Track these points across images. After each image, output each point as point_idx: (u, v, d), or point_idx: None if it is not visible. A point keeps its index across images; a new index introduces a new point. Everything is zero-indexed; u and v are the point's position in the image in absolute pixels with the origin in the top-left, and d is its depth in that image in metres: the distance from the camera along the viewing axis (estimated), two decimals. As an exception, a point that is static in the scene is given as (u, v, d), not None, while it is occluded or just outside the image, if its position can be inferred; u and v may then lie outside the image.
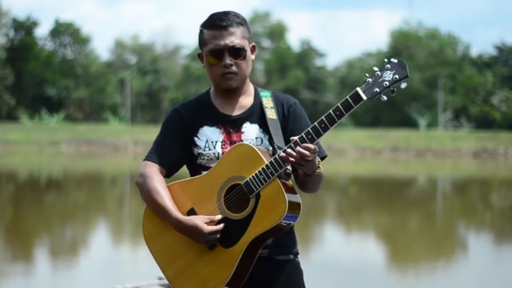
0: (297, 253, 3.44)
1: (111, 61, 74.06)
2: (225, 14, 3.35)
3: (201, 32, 3.39)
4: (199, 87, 62.60)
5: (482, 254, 11.74)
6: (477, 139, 46.39)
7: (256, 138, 3.35)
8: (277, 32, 70.90)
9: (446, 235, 14.00)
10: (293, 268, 3.39)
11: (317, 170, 3.22)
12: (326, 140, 41.81)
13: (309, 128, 3.15)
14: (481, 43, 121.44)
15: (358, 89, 3.12)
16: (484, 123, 58.82)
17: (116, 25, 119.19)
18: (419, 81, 63.21)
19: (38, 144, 45.44)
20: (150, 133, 42.04)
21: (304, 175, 3.24)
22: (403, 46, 65.91)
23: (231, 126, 3.38)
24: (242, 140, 3.34)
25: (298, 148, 3.11)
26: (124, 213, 16.71)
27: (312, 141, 3.14)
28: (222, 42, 3.31)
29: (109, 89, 68.04)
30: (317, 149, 3.15)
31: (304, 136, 3.14)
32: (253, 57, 3.41)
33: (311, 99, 64.78)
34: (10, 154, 39.45)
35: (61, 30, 69.80)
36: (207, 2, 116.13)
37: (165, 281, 7.43)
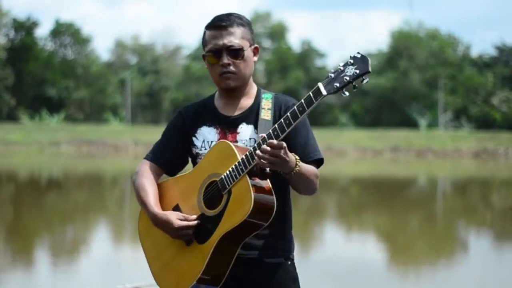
0: (291, 258, 3.40)
1: (111, 62, 74.08)
2: (227, 15, 3.38)
3: (203, 33, 3.42)
4: (199, 88, 62.66)
5: (483, 255, 11.74)
6: (478, 140, 46.40)
7: (250, 138, 3.36)
8: (278, 33, 70.91)
9: (446, 236, 13.99)
10: (283, 272, 3.35)
11: (295, 169, 3.16)
12: (327, 140, 41.83)
13: (275, 125, 3.13)
14: (481, 43, 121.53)
15: (320, 84, 3.07)
16: (484, 123, 58.83)
17: (117, 25, 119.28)
18: (420, 82, 63.24)
19: (38, 145, 45.45)
20: (151, 134, 42.11)
21: (284, 175, 3.20)
22: (404, 46, 65.91)
23: (228, 126, 3.39)
24: (237, 141, 3.35)
25: (264, 146, 3.08)
26: (125, 213, 16.71)
27: (277, 137, 3.10)
28: (220, 42, 3.33)
29: (109, 90, 68.05)
30: (284, 145, 3.08)
31: (271, 132, 3.13)
32: (255, 58, 3.42)
33: (312, 99, 64.71)
34: (11, 155, 39.46)
35: (61, 30, 69.82)
36: (207, 3, 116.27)
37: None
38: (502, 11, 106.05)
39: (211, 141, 3.39)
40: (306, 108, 3.07)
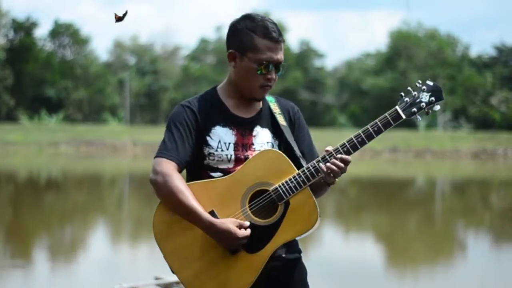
0: (301, 252, 3.49)
1: (110, 62, 74.07)
2: (273, 23, 3.33)
3: (246, 34, 3.32)
4: (198, 88, 62.64)
5: (481, 255, 11.73)
6: (477, 140, 46.41)
7: (268, 142, 3.37)
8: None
9: (445, 236, 13.99)
10: (300, 266, 3.45)
11: (336, 180, 3.29)
12: (326, 141, 41.76)
13: (345, 141, 3.23)
14: (480, 43, 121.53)
15: (398, 108, 3.26)
16: (483, 123, 58.85)
17: (116, 26, 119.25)
18: (419, 82, 63.22)
19: (37, 145, 45.43)
20: (150, 134, 42.11)
21: (323, 184, 3.29)
22: (403, 46, 65.93)
23: (244, 128, 3.36)
24: (253, 144, 3.35)
25: (334, 160, 3.20)
26: (123, 214, 16.70)
27: (348, 153, 3.23)
28: (275, 57, 3.31)
29: (108, 90, 68.05)
30: (351, 161, 3.25)
31: (339, 148, 3.23)
32: None
33: (310, 100, 64.79)
34: (10, 155, 39.44)
35: (60, 30, 69.84)
36: (206, 3, 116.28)
37: (162, 281, 7.42)
38: (501, 11, 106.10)
39: (229, 143, 3.34)
40: (383, 129, 3.26)
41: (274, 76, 3.32)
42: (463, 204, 19.77)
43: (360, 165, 36.86)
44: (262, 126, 3.38)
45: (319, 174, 3.19)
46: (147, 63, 72.02)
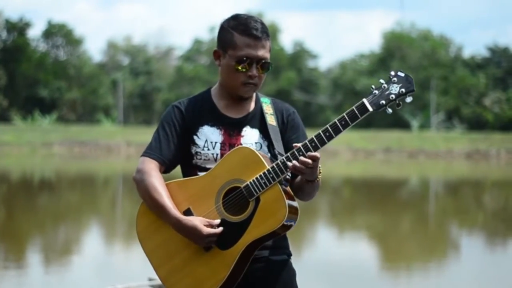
0: (291, 254, 3.46)
1: (103, 62, 73.98)
2: (256, 21, 3.34)
3: (227, 32, 3.35)
4: (192, 88, 62.62)
5: (475, 255, 11.76)
6: (470, 140, 46.49)
7: (256, 143, 3.36)
8: (270, 33, 70.74)
9: (438, 236, 14.01)
10: (287, 268, 3.41)
11: (318, 177, 3.25)
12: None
13: (313, 136, 3.16)
14: (473, 44, 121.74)
15: (365, 100, 3.17)
16: (476, 124, 58.94)
17: (109, 26, 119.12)
18: (412, 83, 63.29)
19: (30, 145, 45.35)
20: (143, 134, 42.08)
21: (305, 182, 3.25)
22: (396, 47, 66.00)
23: (232, 128, 3.37)
24: (241, 144, 3.34)
25: (302, 158, 3.13)
26: (116, 214, 16.69)
27: (315, 148, 3.16)
28: (254, 53, 3.30)
29: (101, 90, 67.96)
30: (320, 157, 3.17)
31: (308, 143, 3.16)
32: None
33: (304, 100, 64.79)
34: (3, 156, 39.36)
35: (53, 31, 69.72)
36: (200, 4, 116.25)
37: (156, 282, 7.42)
38: (494, 12, 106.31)
39: (215, 142, 3.36)
40: (350, 123, 3.17)
41: (255, 73, 3.31)
42: (457, 205, 19.81)
43: (354, 165, 36.92)
44: (252, 127, 3.38)
45: (288, 170, 3.16)
46: (140, 64, 71.93)
